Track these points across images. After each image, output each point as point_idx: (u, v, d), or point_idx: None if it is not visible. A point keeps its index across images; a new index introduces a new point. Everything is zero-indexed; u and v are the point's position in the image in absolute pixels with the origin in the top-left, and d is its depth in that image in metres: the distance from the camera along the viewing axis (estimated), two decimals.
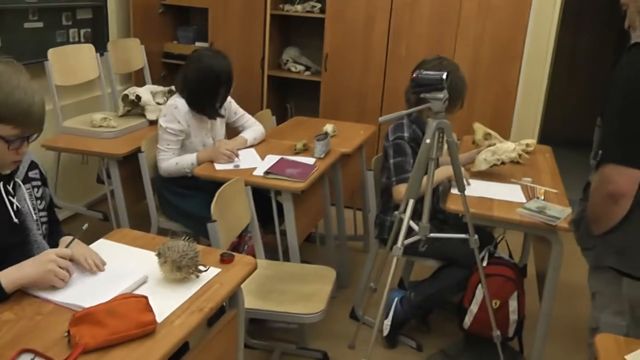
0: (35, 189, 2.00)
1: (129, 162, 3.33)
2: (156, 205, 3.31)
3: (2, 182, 1.86)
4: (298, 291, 2.64)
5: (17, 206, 1.90)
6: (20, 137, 1.77)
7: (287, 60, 4.95)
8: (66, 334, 1.59)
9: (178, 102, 3.18)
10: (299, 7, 4.70)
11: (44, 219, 2.02)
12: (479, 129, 3.55)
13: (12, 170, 1.90)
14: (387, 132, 3.04)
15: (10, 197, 1.88)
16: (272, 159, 3.18)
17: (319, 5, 4.67)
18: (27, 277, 1.75)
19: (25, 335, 1.62)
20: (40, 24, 4.03)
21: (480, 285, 2.81)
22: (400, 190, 2.90)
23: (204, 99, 3.20)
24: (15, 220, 1.88)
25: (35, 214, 1.96)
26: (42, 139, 2.80)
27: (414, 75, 2.40)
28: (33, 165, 2.02)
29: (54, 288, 1.79)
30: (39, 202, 2.00)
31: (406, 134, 2.96)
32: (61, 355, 1.51)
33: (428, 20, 4.32)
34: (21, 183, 1.94)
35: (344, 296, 3.58)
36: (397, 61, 4.44)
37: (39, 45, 3.90)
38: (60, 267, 1.78)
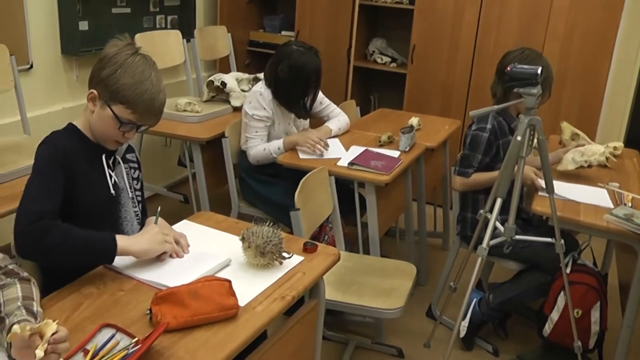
0: (132, 170, 2.07)
1: (212, 146, 3.34)
2: (237, 190, 3.31)
3: (104, 155, 1.94)
4: (378, 285, 2.58)
5: (115, 180, 1.97)
6: (134, 123, 1.86)
7: (374, 52, 4.88)
8: (148, 311, 1.59)
9: (263, 90, 3.17)
10: None
11: (139, 199, 2.08)
12: (567, 128, 3.40)
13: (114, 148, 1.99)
14: (472, 120, 2.96)
15: (110, 171, 1.95)
16: (356, 150, 3.12)
17: None
18: (139, 248, 1.81)
19: (106, 311, 1.63)
20: (128, 10, 4.10)
21: (562, 293, 2.71)
22: (456, 180, 2.95)
23: (294, 97, 3.19)
24: (112, 192, 1.95)
25: (131, 192, 2.03)
26: None
27: (508, 69, 2.30)
28: (130, 149, 2.10)
29: (140, 265, 1.82)
30: (135, 182, 2.07)
31: (489, 126, 2.88)
32: (142, 333, 1.50)
33: (518, 13, 4.17)
34: (120, 160, 2.01)
35: (421, 293, 3.49)
36: (485, 55, 4.31)
37: (126, 30, 3.84)
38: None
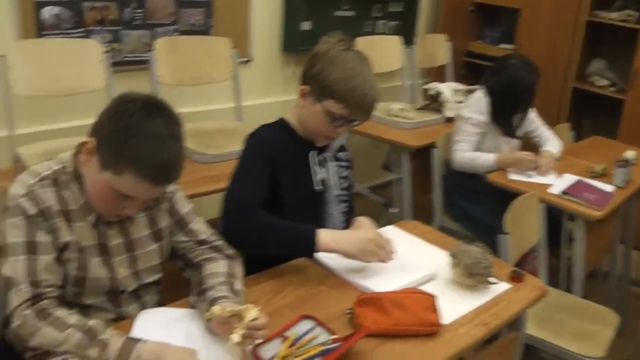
0: (342, 169, 2.07)
1: (420, 155, 3.31)
2: (440, 203, 3.24)
3: (313, 151, 1.96)
4: (577, 327, 2.42)
5: (322, 177, 1.98)
6: (345, 118, 1.85)
7: (591, 73, 4.55)
8: (348, 311, 1.59)
9: (483, 97, 3.10)
10: (614, 15, 4.25)
11: (344, 199, 2.08)
12: None
13: (324, 145, 1.99)
14: None
15: (317, 168, 1.97)
16: (568, 179, 2.94)
17: (637, 14, 4.17)
18: (343, 249, 1.78)
19: (306, 302, 1.66)
20: (351, 13, 4.20)
21: None
22: None
23: (503, 112, 3.10)
24: (318, 188, 1.97)
25: (338, 190, 2.04)
26: None
27: None
28: (343, 148, 2.10)
29: (345, 263, 1.81)
30: (342, 181, 2.06)
31: None
32: (340, 331, 1.50)
33: None
34: (330, 158, 2.02)
35: (617, 343, 3.21)
36: None
37: (346, 32, 4.03)
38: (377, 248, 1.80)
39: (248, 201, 1.80)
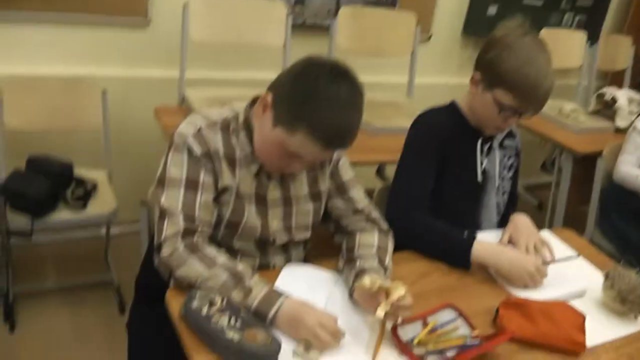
0: (507, 157, 2.03)
1: (582, 161, 3.19)
2: (596, 217, 3.10)
3: (480, 140, 1.93)
4: None
5: (485, 167, 1.95)
6: (514, 109, 1.79)
7: None
8: (494, 311, 1.57)
9: None
10: None
11: (505, 188, 2.04)
12: None
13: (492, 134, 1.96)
14: None
15: (482, 157, 1.94)
16: None
17: None
18: (497, 266, 1.75)
19: (451, 292, 1.67)
20: (539, 3, 4.08)
21: None
22: None
23: None
24: (480, 178, 1.94)
25: (499, 180, 2.00)
26: None
27: None
28: (512, 134, 2.05)
29: None
30: (506, 170, 2.02)
31: None
32: (482, 328, 1.50)
33: None
34: (496, 147, 1.98)
35: None
36: None
37: (531, 22, 3.92)
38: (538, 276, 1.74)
39: (412, 201, 1.82)
